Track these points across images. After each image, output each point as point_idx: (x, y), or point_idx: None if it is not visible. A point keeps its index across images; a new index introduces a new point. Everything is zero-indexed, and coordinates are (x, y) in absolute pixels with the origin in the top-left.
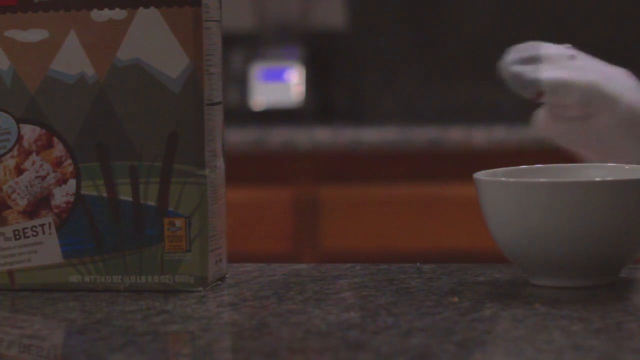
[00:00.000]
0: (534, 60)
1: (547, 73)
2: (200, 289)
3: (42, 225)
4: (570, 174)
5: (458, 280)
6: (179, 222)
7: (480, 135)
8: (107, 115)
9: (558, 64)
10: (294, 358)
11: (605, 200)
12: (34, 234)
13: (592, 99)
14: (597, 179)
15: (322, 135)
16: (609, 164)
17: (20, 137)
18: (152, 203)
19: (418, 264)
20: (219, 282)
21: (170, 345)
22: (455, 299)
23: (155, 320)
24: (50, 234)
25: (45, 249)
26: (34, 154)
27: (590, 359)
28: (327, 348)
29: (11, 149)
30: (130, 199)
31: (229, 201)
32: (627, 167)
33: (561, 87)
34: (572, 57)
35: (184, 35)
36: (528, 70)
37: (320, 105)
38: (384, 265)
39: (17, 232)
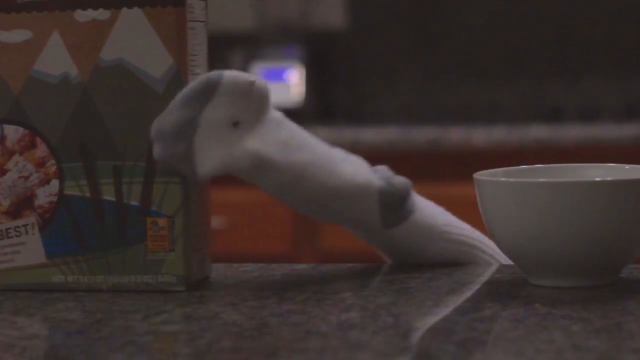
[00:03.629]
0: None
1: (201, 166)
2: (183, 288)
3: (25, 226)
4: (570, 174)
5: (458, 280)
6: (162, 222)
7: (480, 135)
8: (90, 115)
9: (215, 136)
10: (294, 358)
11: (605, 200)
12: (17, 234)
13: (255, 169)
14: (597, 179)
15: (322, 135)
16: (609, 164)
17: (3, 138)
18: (135, 203)
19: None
20: (203, 281)
21: (170, 345)
22: (457, 299)
23: (155, 320)
24: (33, 234)
25: (29, 250)
26: (17, 154)
27: (590, 359)
28: (327, 348)
29: None
30: (113, 198)
31: (229, 201)
32: (627, 167)
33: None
34: (236, 124)
35: (168, 35)
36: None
37: (320, 105)
38: (384, 265)
39: (0, 233)
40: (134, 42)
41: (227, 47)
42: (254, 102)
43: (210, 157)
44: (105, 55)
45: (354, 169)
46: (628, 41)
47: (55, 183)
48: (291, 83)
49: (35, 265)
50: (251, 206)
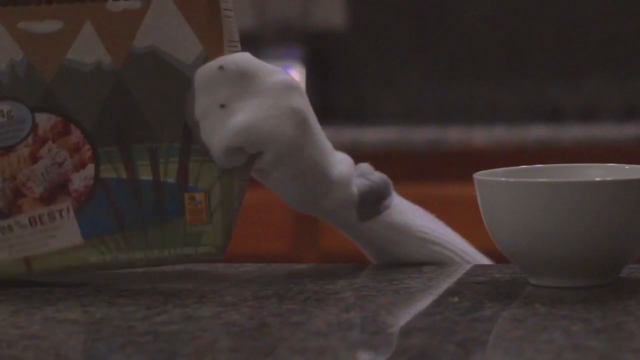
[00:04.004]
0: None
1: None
2: (222, 258)
3: (59, 211)
4: (570, 174)
5: (458, 280)
6: (199, 197)
7: (480, 135)
8: (124, 101)
9: (210, 117)
10: (294, 358)
11: (605, 200)
12: (52, 219)
13: (248, 143)
14: (597, 179)
15: None
16: (609, 164)
17: (35, 126)
18: (172, 180)
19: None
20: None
21: (170, 345)
22: (455, 299)
23: (155, 320)
24: (68, 218)
25: (64, 233)
26: (50, 141)
27: (590, 359)
28: (327, 348)
29: (25, 139)
30: (150, 178)
31: None
32: (627, 167)
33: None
34: (222, 106)
35: (197, 22)
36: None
37: (320, 105)
38: (384, 265)
39: (32, 220)
40: (165, 30)
41: None
42: (231, 82)
43: (212, 145)
44: (138, 43)
45: (341, 159)
46: (628, 41)
47: (90, 167)
48: None
49: (71, 247)
50: (251, 206)
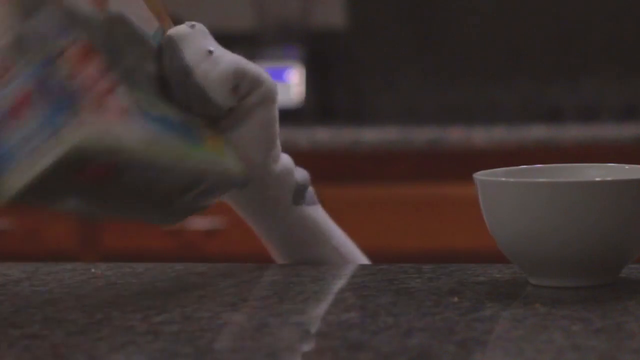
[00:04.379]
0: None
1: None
2: (246, 183)
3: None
4: (570, 174)
5: (458, 280)
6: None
7: (480, 135)
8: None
9: (203, 62)
10: (294, 358)
11: (605, 200)
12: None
13: (247, 77)
14: (597, 179)
15: (322, 135)
16: (609, 164)
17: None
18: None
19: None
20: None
21: (170, 345)
22: (455, 299)
23: (155, 320)
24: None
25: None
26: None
27: (590, 359)
28: (327, 348)
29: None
30: (159, 114)
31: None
32: (627, 167)
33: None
34: (210, 52)
35: (151, 3)
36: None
37: (320, 105)
38: (384, 265)
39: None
40: (130, 7)
41: (227, 47)
42: (205, 36)
43: (210, 84)
44: (111, 7)
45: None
46: (628, 41)
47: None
48: (291, 83)
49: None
50: None
